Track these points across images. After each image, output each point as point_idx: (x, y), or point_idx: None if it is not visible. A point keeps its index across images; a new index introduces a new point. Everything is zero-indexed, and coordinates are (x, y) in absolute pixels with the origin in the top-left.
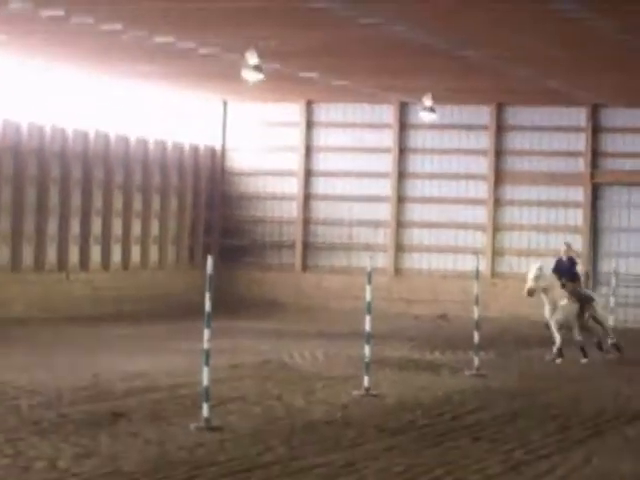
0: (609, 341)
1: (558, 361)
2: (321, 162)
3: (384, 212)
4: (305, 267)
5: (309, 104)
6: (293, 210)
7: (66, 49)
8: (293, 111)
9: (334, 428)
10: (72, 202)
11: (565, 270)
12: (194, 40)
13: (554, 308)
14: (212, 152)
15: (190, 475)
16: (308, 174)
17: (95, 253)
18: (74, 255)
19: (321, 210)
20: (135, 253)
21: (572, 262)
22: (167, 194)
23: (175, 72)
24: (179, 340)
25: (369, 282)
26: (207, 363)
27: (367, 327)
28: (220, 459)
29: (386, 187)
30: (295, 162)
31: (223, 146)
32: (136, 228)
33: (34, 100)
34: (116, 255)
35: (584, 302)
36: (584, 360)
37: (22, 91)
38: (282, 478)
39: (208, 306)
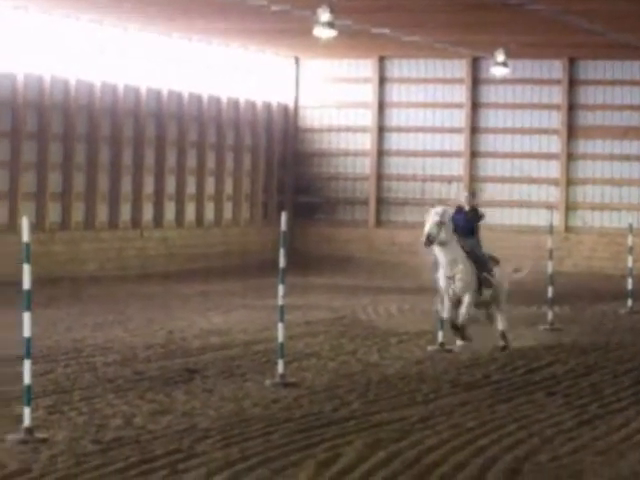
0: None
1: (459, 344)
2: (394, 118)
3: (457, 167)
4: (378, 223)
5: (381, 60)
6: (366, 166)
7: (138, 8)
8: (365, 67)
9: (409, 383)
10: (146, 160)
11: (462, 225)
12: None
13: (455, 271)
14: (285, 109)
15: (266, 431)
16: (381, 130)
17: (169, 211)
18: (148, 213)
19: (394, 166)
20: (209, 210)
21: (473, 216)
22: (240, 152)
23: (247, 29)
24: (253, 297)
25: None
26: (282, 319)
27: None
28: (295, 415)
29: (459, 142)
30: (368, 118)
31: (296, 103)
32: (210, 186)
33: (107, 59)
34: (190, 213)
35: (482, 262)
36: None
37: (95, 51)
38: (357, 434)
39: (282, 262)
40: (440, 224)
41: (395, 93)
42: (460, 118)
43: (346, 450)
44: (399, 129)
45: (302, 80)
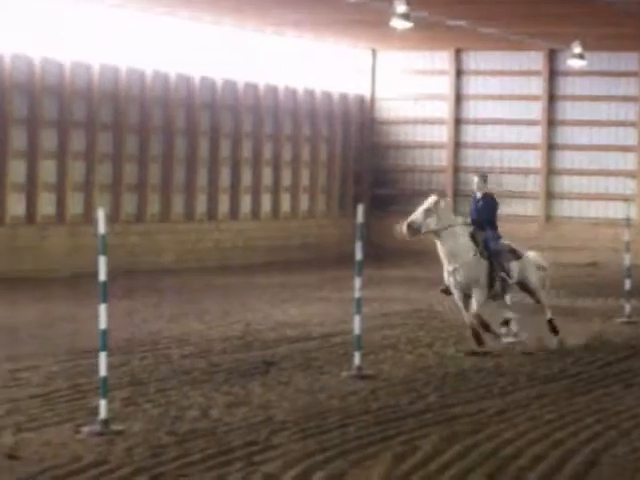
0: (547, 315)
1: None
2: (470, 110)
3: (534, 159)
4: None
5: (458, 52)
6: (442, 159)
7: (213, 0)
8: (442, 59)
9: (485, 376)
10: (222, 152)
11: (475, 215)
12: None
13: (455, 264)
14: (361, 101)
15: (342, 423)
16: (457, 122)
17: (245, 203)
18: (224, 205)
19: (470, 158)
20: (285, 202)
21: (488, 203)
22: (317, 143)
23: (324, 20)
24: (330, 289)
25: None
26: (358, 311)
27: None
28: (372, 407)
29: (536, 134)
30: (444, 110)
31: (372, 95)
32: (286, 177)
33: (182, 51)
34: (266, 204)
35: (497, 258)
36: (509, 339)
37: (170, 43)
38: (434, 426)
39: (359, 255)
40: (428, 212)
41: (472, 85)
42: (537, 110)
43: (423, 443)
44: (475, 121)
45: (378, 72)
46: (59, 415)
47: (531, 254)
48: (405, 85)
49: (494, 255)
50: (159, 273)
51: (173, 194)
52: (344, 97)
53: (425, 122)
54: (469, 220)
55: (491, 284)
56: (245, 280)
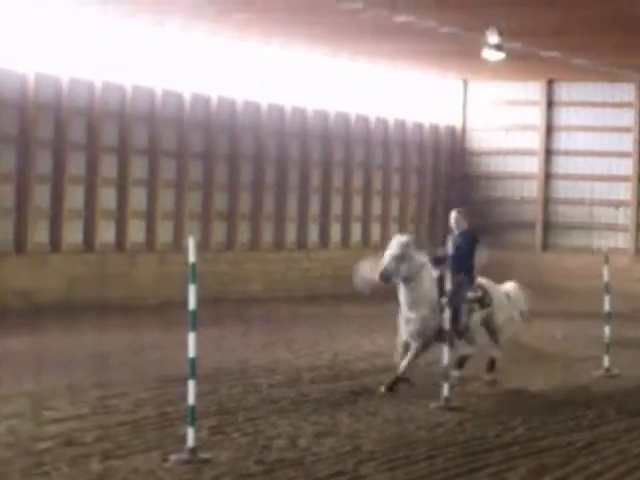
0: (494, 352)
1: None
2: (562, 141)
3: (624, 192)
4: (545, 246)
5: (550, 83)
6: (533, 189)
7: (306, 28)
8: (534, 90)
9: (574, 409)
10: (312, 181)
11: (451, 253)
12: (435, 19)
13: (413, 314)
14: (452, 131)
15: (429, 455)
16: (548, 153)
17: (335, 231)
18: (314, 233)
19: (561, 189)
20: (375, 231)
21: (467, 240)
22: (407, 173)
23: (415, 51)
24: None
25: (606, 262)
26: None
27: (606, 307)
28: (459, 439)
29: (627, 166)
30: (535, 141)
31: (463, 125)
32: (376, 206)
33: (274, 80)
34: (356, 233)
35: (457, 312)
36: (456, 373)
37: (262, 71)
38: (522, 459)
39: (448, 285)
40: (400, 257)
41: (563, 116)
42: (628, 142)
43: (510, 475)
44: (567, 152)
45: (470, 102)
46: (147, 443)
47: (512, 291)
48: (496, 116)
49: (456, 309)
50: (247, 302)
51: (263, 223)
52: (435, 127)
53: (516, 153)
54: (448, 252)
55: (439, 335)
56: (333, 309)
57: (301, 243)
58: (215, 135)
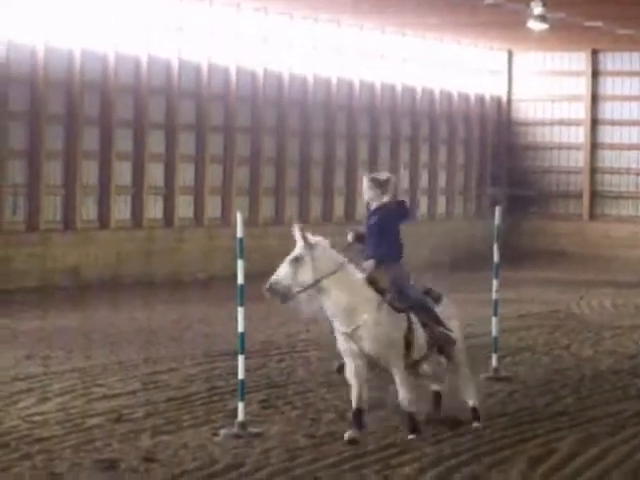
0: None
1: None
2: (607, 110)
3: None
4: (592, 216)
5: (594, 53)
6: (580, 159)
7: (353, 3)
8: (579, 60)
9: (622, 378)
10: (360, 155)
11: (368, 235)
12: None
13: (353, 324)
14: (498, 102)
15: (479, 425)
16: (594, 123)
17: None
18: (362, 207)
19: (607, 159)
20: (423, 204)
21: (384, 217)
22: (454, 145)
23: (461, 23)
24: (466, 291)
25: None
26: (495, 313)
27: None
28: (509, 410)
29: None
30: (581, 111)
31: (509, 96)
32: (423, 180)
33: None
34: None
35: (419, 307)
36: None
37: (308, 46)
38: (571, 429)
39: (496, 257)
40: (297, 262)
41: (608, 86)
42: None
43: (559, 445)
44: (612, 122)
45: (515, 73)
46: (197, 418)
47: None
48: (542, 86)
49: (415, 304)
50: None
51: (311, 197)
52: (481, 98)
53: (562, 123)
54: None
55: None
56: None
57: (348, 215)
58: (262, 108)
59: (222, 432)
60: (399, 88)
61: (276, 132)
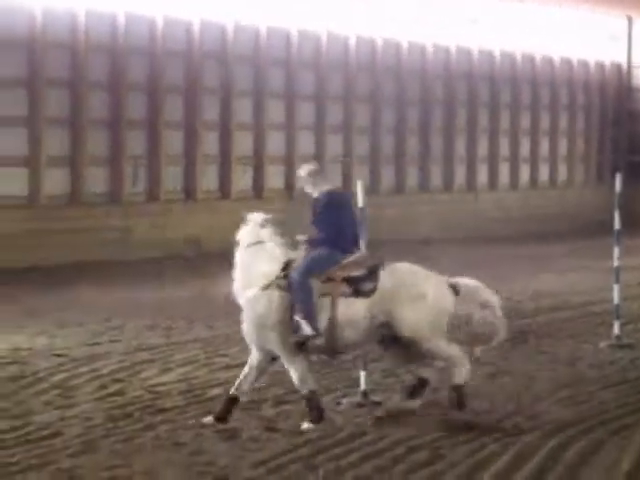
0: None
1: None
2: None
3: None
4: None
5: None
6: None
7: None
8: None
9: None
10: (480, 123)
11: (323, 219)
12: None
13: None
14: (618, 69)
15: (600, 393)
16: None
17: (504, 173)
18: (483, 175)
19: None
20: (543, 172)
21: (316, 206)
22: (574, 112)
23: None
24: (587, 258)
25: None
26: (617, 281)
27: None
28: (630, 376)
29: None
30: None
31: (629, 62)
32: (544, 147)
33: (435, 22)
34: (524, 175)
35: (297, 293)
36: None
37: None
38: None
39: (617, 224)
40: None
41: None
42: None
43: None
44: None
45: (635, 39)
46: (320, 387)
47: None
48: None
49: (294, 288)
50: (417, 243)
51: (431, 165)
52: (600, 65)
53: None
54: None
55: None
56: (503, 251)
57: (470, 184)
58: (381, 79)
59: (344, 401)
60: (519, 56)
61: (395, 101)
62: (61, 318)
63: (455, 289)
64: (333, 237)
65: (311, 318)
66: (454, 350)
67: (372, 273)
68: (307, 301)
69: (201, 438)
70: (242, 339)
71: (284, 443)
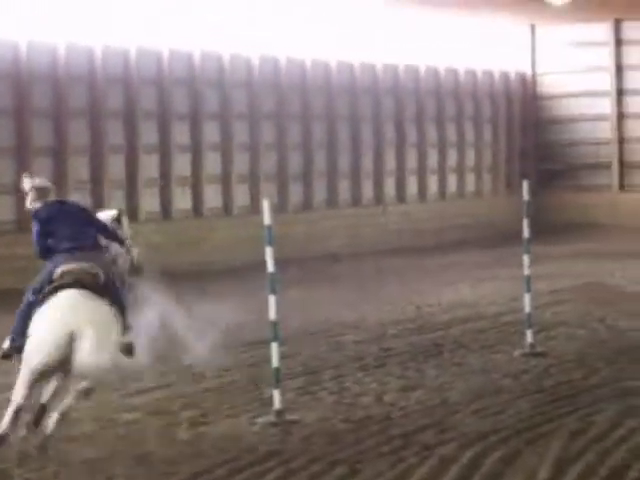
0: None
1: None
2: (633, 80)
3: None
4: (622, 187)
5: (617, 22)
6: (607, 130)
7: None
8: (601, 30)
9: None
10: (386, 137)
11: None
12: None
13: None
14: (522, 77)
15: (516, 402)
16: (620, 93)
17: (411, 185)
18: (390, 188)
19: (636, 129)
20: (451, 183)
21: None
22: (480, 122)
23: (481, 1)
24: (499, 267)
25: None
26: (528, 289)
27: None
28: (545, 384)
29: None
30: (606, 82)
31: (533, 70)
32: (452, 158)
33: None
34: (432, 186)
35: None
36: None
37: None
38: (609, 400)
39: (526, 232)
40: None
41: (633, 55)
42: None
43: (598, 418)
44: (638, 92)
45: (538, 47)
46: (234, 407)
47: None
48: (565, 58)
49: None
50: (326, 259)
51: (338, 179)
52: (505, 75)
53: (587, 94)
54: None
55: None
56: (414, 262)
57: (378, 198)
58: (286, 95)
59: (259, 420)
60: (422, 68)
61: (301, 117)
62: None
63: None
64: (44, 250)
65: (17, 332)
66: None
67: None
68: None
69: (114, 461)
70: (155, 363)
71: (201, 464)
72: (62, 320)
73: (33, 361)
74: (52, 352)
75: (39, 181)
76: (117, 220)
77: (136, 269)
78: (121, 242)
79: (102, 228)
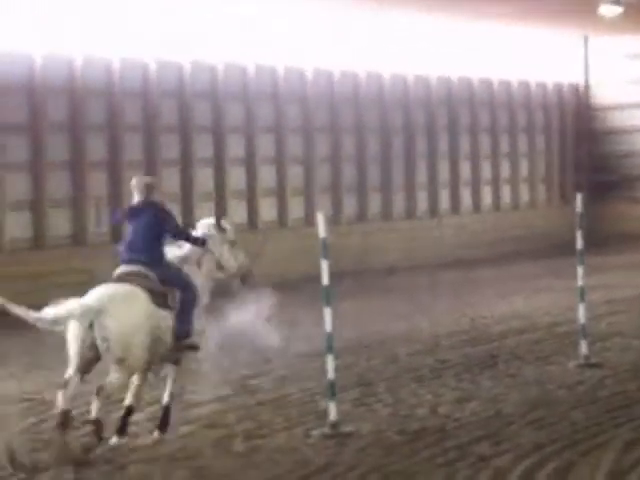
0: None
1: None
2: None
3: None
4: None
5: None
6: None
7: None
8: None
9: None
10: (440, 148)
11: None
12: None
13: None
14: (576, 88)
15: (571, 414)
16: None
17: (465, 197)
18: (444, 200)
19: None
20: (505, 194)
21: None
22: (533, 134)
23: (533, 11)
24: (553, 278)
25: None
26: (582, 300)
27: None
28: (600, 395)
29: None
30: None
31: (586, 82)
32: (505, 169)
33: (394, 49)
34: (486, 197)
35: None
36: None
37: (380, 41)
38: None
39: (579, 243)
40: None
41: None
42: None
43: None
44: None
45: (591, 58)
46: (289, 420)
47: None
48: (619, 70)
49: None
50: (382, 273)
51: (393, 192)
52: (559, 86)
53: None
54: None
55: None
56: (468, 274)
57: (432, 210)
58: (340, 109)
59: (314, 433)
60: (476, 81)
61: (356, 130)
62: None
63: None
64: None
65: None
66: None
67: None
68: None
69: (171, 473)
70: (212, 375)
71: (255, 477)
72: None
73: None
74: None
75: (136, 179)
76: (217, 225)
77: (243, 275)
78: (195, 242)
79: (172, 230)
